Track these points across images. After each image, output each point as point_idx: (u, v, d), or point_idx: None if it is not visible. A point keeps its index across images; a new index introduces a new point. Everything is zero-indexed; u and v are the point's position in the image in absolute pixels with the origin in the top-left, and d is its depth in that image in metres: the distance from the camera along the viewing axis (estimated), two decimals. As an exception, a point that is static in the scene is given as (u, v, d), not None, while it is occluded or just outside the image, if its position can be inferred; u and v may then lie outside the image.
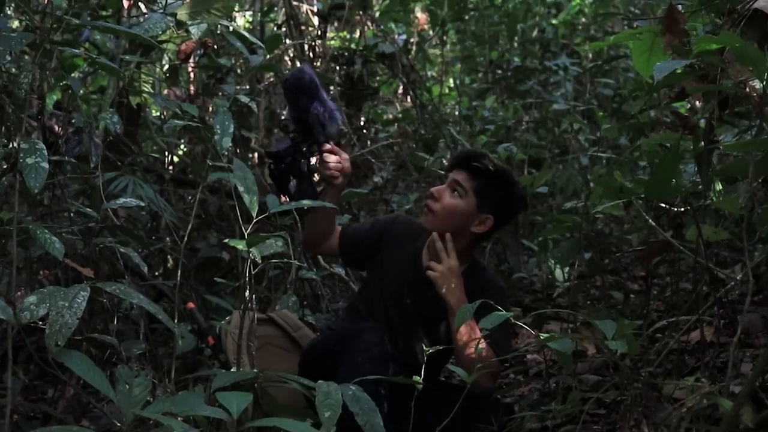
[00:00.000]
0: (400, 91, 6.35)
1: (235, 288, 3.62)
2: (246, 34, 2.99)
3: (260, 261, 2.33)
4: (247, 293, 2.39)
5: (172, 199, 4.46)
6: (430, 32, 6.76)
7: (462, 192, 2.73)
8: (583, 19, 7.20)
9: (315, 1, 5.45)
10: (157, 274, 4.22)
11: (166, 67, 4.09)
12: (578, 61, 6.64)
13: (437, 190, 2.75)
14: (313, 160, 2.66)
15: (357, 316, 2.81)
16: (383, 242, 2.81)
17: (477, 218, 2.74)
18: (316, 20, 5.38)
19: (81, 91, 2.98)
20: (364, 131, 5.61)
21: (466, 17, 6.91)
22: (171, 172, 4.50)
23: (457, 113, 6.38)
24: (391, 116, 6.12)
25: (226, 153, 2.49)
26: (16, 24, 3.32)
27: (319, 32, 5.22)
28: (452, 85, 7.21)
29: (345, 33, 6.03)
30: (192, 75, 5.02)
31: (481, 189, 2.73)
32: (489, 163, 2.76)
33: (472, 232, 2.75)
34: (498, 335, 2.59)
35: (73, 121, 2.87)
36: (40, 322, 1.97)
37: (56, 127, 2.86)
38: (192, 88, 4.72)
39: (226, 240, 2.43)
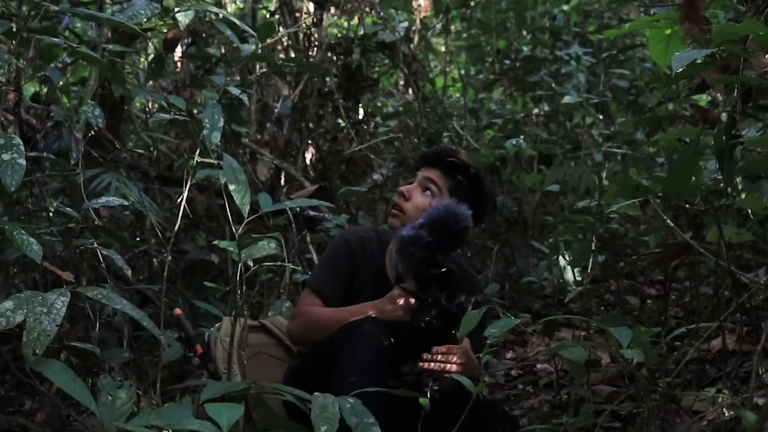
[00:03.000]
0: (401, 82, 6.35)
1: (225, 293, 3.62)
2: (237, 21, 2.99)
3: (252, 264, 2.33)
4: (237, 298, 2.39)
5: (158, 197, 4.46)
6: (434, 20, 6.76)
7: (435, 191, 2.72)
8: (597, 6, 7.19)
9: (310, -13, 5.46)
10: (141, 278, 4.22)
11: (152, 57, 4.09)
12: (591, 50, 6.64)
13: (407, 189, 2.75)
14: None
15: None
16: (356, 274, 2.77)
17: None
18: (311, 6, 5.38)
19: (60, 83, 2.98)
20: (363, 125, 5.61)
21: (472, 3, 6.91)
22: (156, 169, 4.50)
23: (461, 106, 6.38)
24: (391, 109, 6.12)
25: (215, 148, 2.49)
26: (-9, 11, 3.31)
27: (315, 19, 5.22)
28: (457, 76, 7.21)
29: (342, 20, 6.03)
30: (179, 65, 5.02)
31: (455, 188, 2.73)
32: (465, 159, 2.76)
33: None
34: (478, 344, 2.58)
35: (51, 114, 2.87)
36: (17, 329, 1.97)
37: (34, 121, 2.86)
38: (179, 79, 4.73)
39: (216, 241, 2.43)
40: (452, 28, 7.29)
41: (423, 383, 2.41)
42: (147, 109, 4.86)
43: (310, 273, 2.86)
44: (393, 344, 2.50)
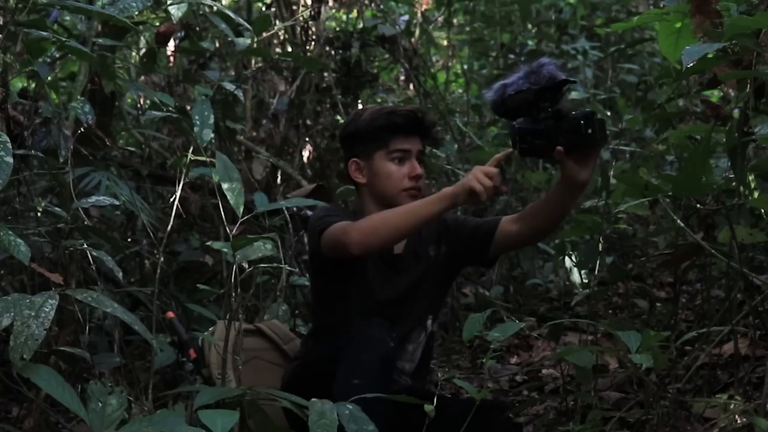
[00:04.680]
0: (402, 77, 6.35)
1: (219, 296, 3.62)
2: (231, 14, 2.99)
3: (247, 266, 2.33)
4: (232, 301, 2.39)
5: (150, 197, 4.46)
6: (435, 12, 6.76)
7: (420, 158, 2.77)
8: (605, -2, 7.20)
9: (308, -22, 5.45)
10: (133, 280, 4.22)
11: (143, 51, 4.08)
12: (599, 44, 6.64)
13: (420, 170, 2.73)
14: None
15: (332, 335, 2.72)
16: None
17: None
18: (308, -1, 5.38)
19: (49, 78, 2.98)
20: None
21: (475, -4, 6.92)
22: (148, 167, 4.50)
23: (464, 102, 6.38)
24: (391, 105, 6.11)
25: (208, 146, 2.49)
26: (-24, 3, 3.31)
27: (313, 12, 5.21)
28: (459, 71, 7.21)
29: (341, 13, 6.03)
30: (172, 60, 5.02)
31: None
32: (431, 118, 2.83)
33: None
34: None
35: (40, 111, 2.87)
36: (4, 333, 1.97)
37: (21, 118, 2.86)
38: (171, 74, 4.72)
39: (210, 242, 2.43)
40: (455, 21, 7.28)
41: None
42: (138, 106, 4.85)
43: (317, 225, 2.75)
44: (397, 349, 2.52)
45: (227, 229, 2.35)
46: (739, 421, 2.29)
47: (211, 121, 2.49)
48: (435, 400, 2.28)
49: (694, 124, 3.42)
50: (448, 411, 2.47)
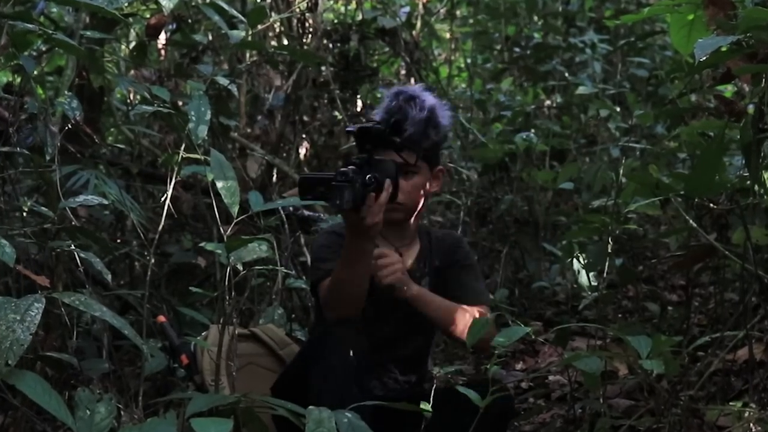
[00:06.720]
0: (403, 72, 6.35)
1: (212, 299, 3.62)
2: (225, 6, 2.99)
3: (241, 268, 2.33)
4: (226, 305, 2.39)
5: (140, 196, 4.47)
6: (438, 4, 6.76)
7: (414, 168, 2.69)
8: (614, -11, 7.20)
9: (305, -31, 5.45)
10: (122, 282, 4.23)
11: (133, 44, 4.09)
12: (608, 37, 6.64)
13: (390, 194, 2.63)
14: None
15: None
16: None
17: (432, 178, 2.76)
18: (305, -10, 5.38)
19: (35, 72, 2.98)
20: (361, 118, 5.61)
21: (479, -13, 6.93)
22: (139, 165, 4.51)
23: (468, 97, 6.39)
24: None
25: (201, 143, 2.49)
26: (-41, -5, 3.31)
27: (310, 4, 5.22)
28: (463, 65, 7.22)
29: (339, 5, 6.03)
30: (163, 53, 5.02)
31: (428, 152, 2.72)
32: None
33: (427, 195, 2.78)
34: (476, 285, 2.75)
35: (25, 106, 2.87)
36: (-12, 338, 1.97)
37: (6, 114, 2.86)
38: (162, 68, 4.73)
39: (203, 243, 2.43)
40: (458, 13, 7.31)
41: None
42: (128, 101, 4.86)
43: (311, 272, 2.78)
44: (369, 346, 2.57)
45: (221, 229, 2.35)
46: (753, 430, 2.30)
47: (208, 117, 2.49)
48: (431, 397, 2.30)
49: (707, 120, 3.43)
50: (451, 406, 2.47)
